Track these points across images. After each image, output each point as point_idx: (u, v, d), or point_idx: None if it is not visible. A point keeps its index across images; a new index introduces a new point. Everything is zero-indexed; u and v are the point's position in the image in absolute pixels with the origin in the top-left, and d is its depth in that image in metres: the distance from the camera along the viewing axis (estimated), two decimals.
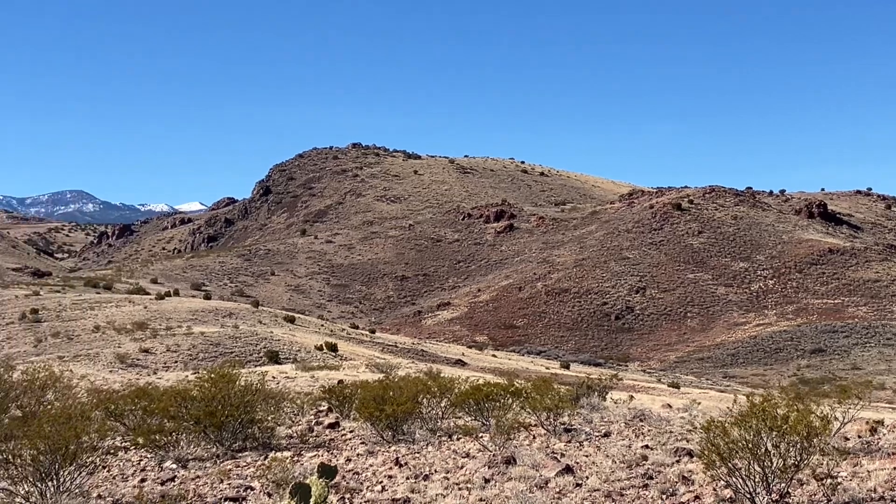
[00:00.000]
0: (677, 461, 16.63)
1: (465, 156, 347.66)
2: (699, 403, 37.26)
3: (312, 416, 24.95)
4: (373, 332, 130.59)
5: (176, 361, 69.26)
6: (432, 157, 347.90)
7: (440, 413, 23.45)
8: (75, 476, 13.71)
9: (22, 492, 13.54)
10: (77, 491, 13.67)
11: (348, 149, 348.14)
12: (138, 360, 68.41)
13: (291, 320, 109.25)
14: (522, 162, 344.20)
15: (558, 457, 17.55)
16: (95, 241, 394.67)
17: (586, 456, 17.77)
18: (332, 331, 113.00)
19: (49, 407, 23.20)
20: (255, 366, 56.32)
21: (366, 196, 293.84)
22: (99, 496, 14.19)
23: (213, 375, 20.31)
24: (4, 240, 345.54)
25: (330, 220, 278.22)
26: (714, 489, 13.83)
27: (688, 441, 18.62)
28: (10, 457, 13.68)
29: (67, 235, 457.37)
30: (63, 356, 68.40)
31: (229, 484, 14.98)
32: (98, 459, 14.66)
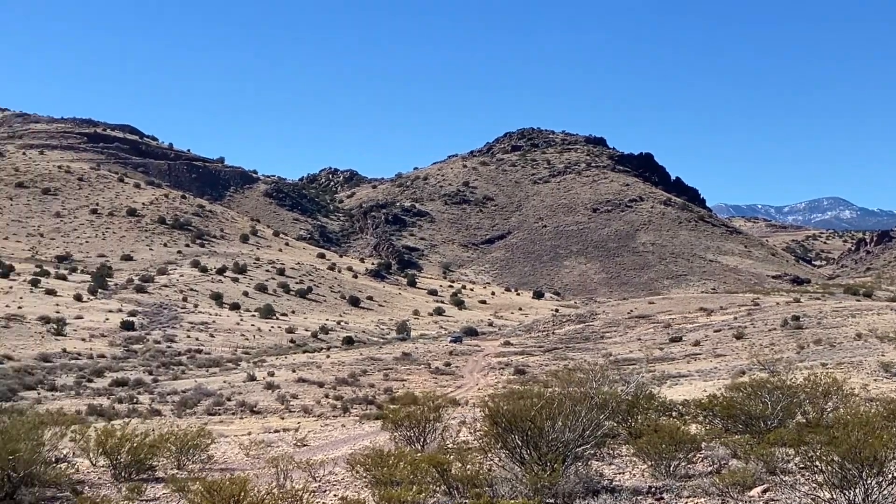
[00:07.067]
0: None
1: None
2: None
3: None
4: None
5: None
6: None
7: None
8: (882, 487, 13.23)
9: (826, 496, 13.44)
10: (885, 503, 13.18)
11: None
12: None
13: None
14: None
15: None
16: (853, 249, 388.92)
17: None
18: None
19: (834, 414, 22.91)
20: None
21: None
22: None
23: None
24: (764, 247, 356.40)
25: None
26: None
27: None
28: (816, 461, 13.64)
29: (825, 243, 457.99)
30: (825, 363, 67.76)
31: None
32: None
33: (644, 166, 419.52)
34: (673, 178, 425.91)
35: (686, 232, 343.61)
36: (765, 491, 15.07)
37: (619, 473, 18.00)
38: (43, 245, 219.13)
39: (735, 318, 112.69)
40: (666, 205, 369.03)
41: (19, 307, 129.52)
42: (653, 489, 15.99)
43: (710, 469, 17.64)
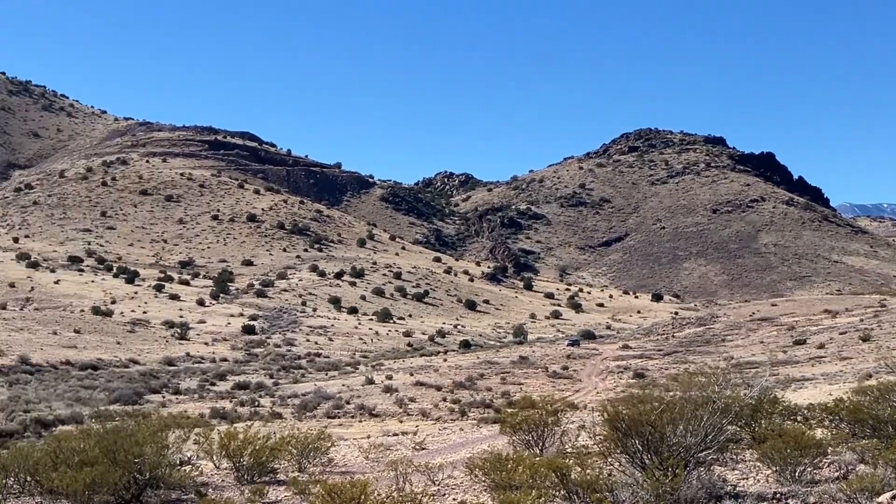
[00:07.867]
0: None
1: None
2: None
3: None
4: None
5: None
6: None
7: None
8: None
9: None
10: None
11: None
12: None
13: None
14: None
15: None
16: None
17: None
18: None
19: None
20: None
21: None
22: None
23: None
24: (891, 247, 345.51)
25: None
26: None
27: None
28: None
29: None
30: None
31: None
32: None
33: (765, 166, 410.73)
34: (795, 177, 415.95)
35: (809, 232, 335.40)
36: (893, 497, 14.59)
37: (743, 479, 17.65)
38: (166, 251, 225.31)
39: (861, 320, 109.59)
40: (788, 205, 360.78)
41: (144, 312, 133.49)
42: (778, 495, 15.64)
43: (836, 474, 17.19)
